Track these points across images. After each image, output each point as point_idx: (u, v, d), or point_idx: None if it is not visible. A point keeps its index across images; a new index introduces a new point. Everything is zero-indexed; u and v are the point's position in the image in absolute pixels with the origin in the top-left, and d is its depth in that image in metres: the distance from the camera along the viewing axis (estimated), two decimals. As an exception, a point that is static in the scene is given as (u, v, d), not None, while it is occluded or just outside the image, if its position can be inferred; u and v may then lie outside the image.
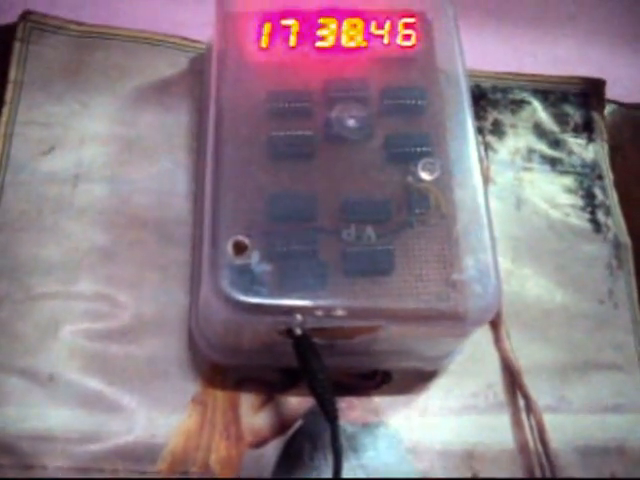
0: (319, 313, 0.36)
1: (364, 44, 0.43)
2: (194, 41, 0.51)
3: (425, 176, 0.40)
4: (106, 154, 0.46)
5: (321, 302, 0.36)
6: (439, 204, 0.39)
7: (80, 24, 0.50)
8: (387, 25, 0.44)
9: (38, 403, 0.40)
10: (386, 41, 0.43)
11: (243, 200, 0.38)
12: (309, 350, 0.37)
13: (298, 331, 0.36)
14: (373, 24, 0.43)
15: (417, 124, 0.42)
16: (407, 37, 0.44)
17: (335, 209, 0.39)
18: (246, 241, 0.36)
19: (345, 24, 0.43)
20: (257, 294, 0.36)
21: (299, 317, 0.36)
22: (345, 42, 0.43)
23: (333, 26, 0.43)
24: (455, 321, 0.37)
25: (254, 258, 0.36)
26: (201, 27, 0.49)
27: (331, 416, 0.36)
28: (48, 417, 0.39)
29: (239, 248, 0.36)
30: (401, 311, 0.37)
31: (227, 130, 0.40)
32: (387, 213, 0.39)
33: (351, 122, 0.41)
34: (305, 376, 0.37)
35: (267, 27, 0.43)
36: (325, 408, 0.36)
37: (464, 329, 0.39)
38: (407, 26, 0.44)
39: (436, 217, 0.39)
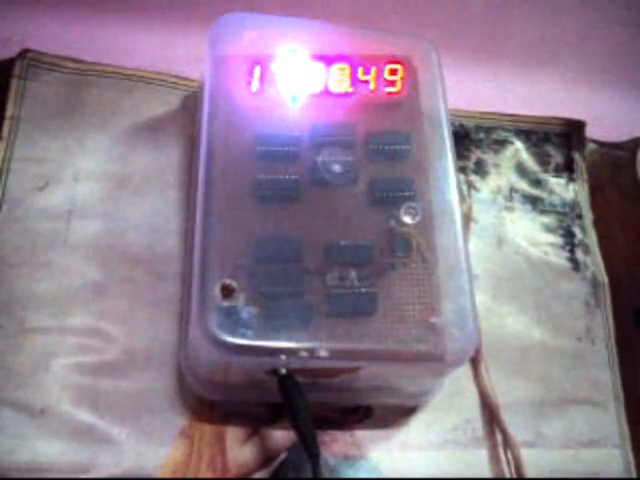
0: (303, 354, 0.37)
1: (351, 89, 0.45)
2: (186, 79, 0.52)
3: (407, 220, 0.41)
4: (99, 191, 0.47)
5: (305, 344, 0.38)
6: (420, 248, 0.41)
7: (77, 61, 0.51)
8: (373, 71, 0.45)
9: (29, 435, 0.40)
10: (372, 87, 0.45)
11: (230, 242, 0.39)
12: (293, 389, 0.38)
13: (283, 371, 0.38)
14: (360, 70, 0.45)
15: (401, 169, 0.43)
16: (393, 83, 0.45)
17: (320, 252, 0.40)
18: (234, 284, 0.38)
19: (333, 69, 0.45)
20: (243, 336, 0.37)
21: (283, 358, 0.37)
22: (333, 87, 0.44)
23: (321, 71, 0.44)
24: (433, 362, 0.39)
25: (241, 300, 0.37)
26: (193, 63, 0.50)
27: (313, 453, 0.38)
28: (39, 449, 0.40)
29: (227, 291, 0.37)
30: (382, 352, 0.39)
31: (216, 172, 0.41)
32: (370, 256, 0.40)
33: (336, 167, 0.42)
34: (289, 414, 0.38)
35: (257, 71, 0.44)
36: (307, 445, 0.38)
37: (442, 370, 0.40)
38: (393, 72, 0.45)
39: (417, 261, 0.41)
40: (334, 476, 0.43)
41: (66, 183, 0.47)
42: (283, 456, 0.43)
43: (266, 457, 0.43)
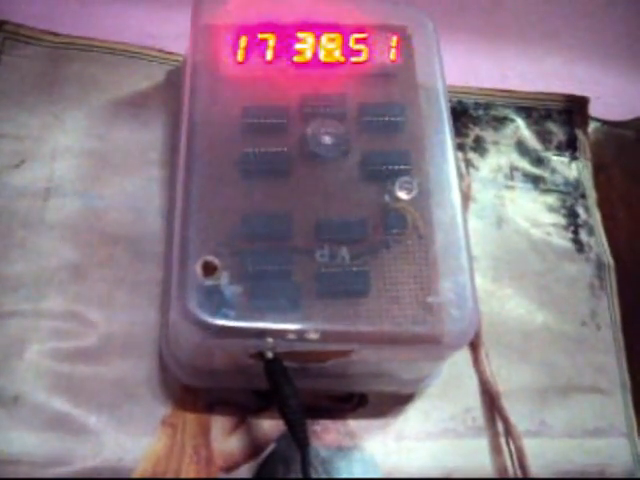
0: (291, 336, 0.35)
1: (342, 59, 0.43)
2: (171, 53, 0.50)
3: (402, 195, 0.39)
4: (79, 168, 0.45)
5: (293, 325, 0.35)
6: (416, 224, 0.39)
7: (55, 35, 0.49)
8: (365, 40, 0.43)
9: (2, 425, 0.38)
10: (365, 56, 0.43)
11: (214, 218, 0.37)
12: (280, 374, 0.36)
13: (269, 354, 0.36)
14: (352, 39, 0.43)
15: (395, 141, 0.41)
16: (386, 52, 0.43)
17: (309, 229, 0.38)
18: (216, 261, 0.35)
19: (323, 38, 0.43)
20: (226, 316, 0.35)
21: (270, 340, 0.35)
22: (323, 57, 0.42)
23: (311, 40, 0.43)
24: (431, 345, 0.37)
25: (224, 279, 0.35)
26: (179, 38, 0.48)
27: (302, 443, 0.36)
28: (12, 440, 0.38)
29: (208, 269, 0.35)
30: (376, 334, 0.36)
31: (199, 146, 0.39)
32: (362, 233, 0.38)
33: (327, 139, 0.40)
34: (276, 401, 0.36)
35: (243, 40, 0.42)
36: (296, 435, 0.36)
37: (440, 353, 0.38)
38: (387, 41, 0.43)
39: (413, 238, 0.38)
40: (326, 467, 0.41)
41: (43, 160, 0.45)
42: (272, 447, 0.41)
43: (253, 448, 0.41)
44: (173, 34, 0.50)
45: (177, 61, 0.50)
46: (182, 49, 0.48)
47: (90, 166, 0.45)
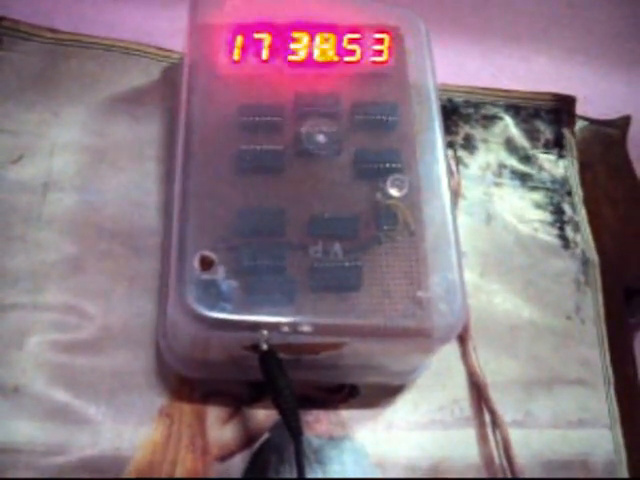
0: (285, 329, 0.36)
1: (336, 59, 0.43)
2: (168, 51, 0.51)
3: (394, 192, 0.40)
4: (76, 163, 0.46)
5: (287, 318, 0.36)
6: (407, 221, 0.40)
7: (54, 31, 0.50)
8: (359, 40, 0.44)
9: (2, 415, 0.39)
10: (358, 56, 0.44)
11: (211, 214, 0.38)
12: (275, 366, 0.37)
13: (264, 346, 0.36)
14: (345, 39, 0.44)
15: (387, 140, 0.42)
16: (379, 52, 0.44)
17: (303, 225, 0.39)
18: (213, 256, 0.36)
19: (318, 38, 0.43)
20: (223, 310, 0.36)
21: (265, 333, 0.36)
22: (317, 56, 0.43)
23: (305, 40, 0.43)
24: (420, 338, 0.38)
25: (220, 273, 0.36)
26: (175, 35, 0.49)
27: (295, 432, 0.37)
28: (12, 429, 0.39)
29: (206, 263, 0.36)
30: (367, 328, 0.37)
31: (196, 143, 0.40)
32: (355, 229, 0.39)
33: (321, 137, 0.41)
34: (270, 391, 0.37)
35: (239, 40, 0.43)
36: (290, 424, 0.37)
37: (429, 346, 0.39)
38: (379, 41, 0.44)
39: (404, 234, 0.39)
40: (318, 456, 0.42)
41: (41, 156, 0.46)
42: (265, 436, 0.42)
43: (248, 438, 0.42)
44: (169, 31, 0.51)
45: (173, 58, 0.50)
46: (178, 46, 0.49)
47: (88, 161, 0.46)
